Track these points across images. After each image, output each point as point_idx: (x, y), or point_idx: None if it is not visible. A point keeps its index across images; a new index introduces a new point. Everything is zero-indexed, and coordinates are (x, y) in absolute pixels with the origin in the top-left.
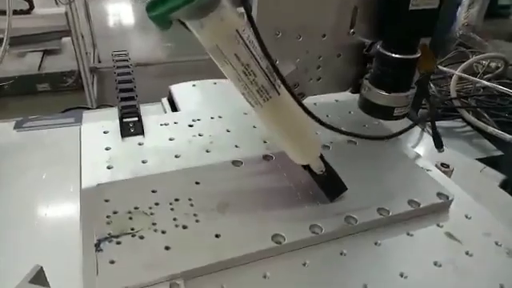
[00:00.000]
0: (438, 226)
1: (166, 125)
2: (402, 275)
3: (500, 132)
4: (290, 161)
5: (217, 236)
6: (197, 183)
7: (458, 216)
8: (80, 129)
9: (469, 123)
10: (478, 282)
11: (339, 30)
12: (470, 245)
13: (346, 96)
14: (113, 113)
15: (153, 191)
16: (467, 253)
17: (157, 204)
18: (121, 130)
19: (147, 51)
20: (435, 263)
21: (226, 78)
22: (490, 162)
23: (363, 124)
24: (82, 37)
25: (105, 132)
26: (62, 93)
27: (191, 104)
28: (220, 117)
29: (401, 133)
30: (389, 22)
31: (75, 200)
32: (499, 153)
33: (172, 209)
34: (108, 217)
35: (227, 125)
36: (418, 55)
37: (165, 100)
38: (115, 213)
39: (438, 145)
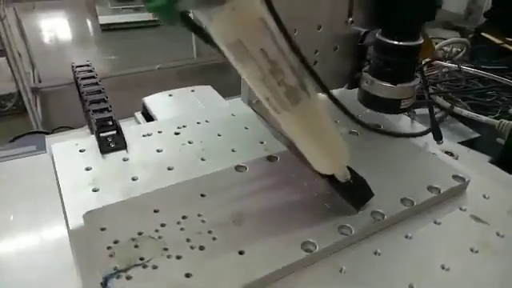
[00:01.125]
0: (461, 209)
1: (149, 135)
2: (443, 267)
3: (475, 114)
4: (296, 160)
5: (240, 253)
6: (202, 195)
7: (477, 197)
8: (51, 151)
9: (443, 108)
10: None
11: (335, 19)
12: (497, 225)
13: (343, 92)
14: (81, 134)
15: (155, 211)
16: (498, 234)
17: (163, 225)
18: (100, 147)
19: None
20: (472, 249)
21: (188, 86)
22: (470, 144)
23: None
24: (20, 55)
25: (81, 151)
26: (1, 118)
27: (172, 114)
28: (207, 121)
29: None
30: (392, 8)
31: (59, 239)
32: (476, 135)
33: (182, 228)
34: (109, 248)
35: (217, 129)
36: (422, 41)
37: (138, 114)
38: (116, 242)
39: (438, 137)
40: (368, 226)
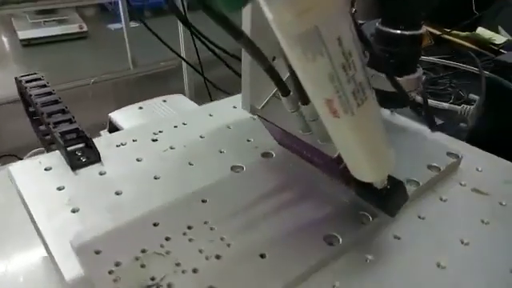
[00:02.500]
0: (461, 184)
1: (123, 145)
2: (462, 242)
3: (437, 102)
4: (293, 155)
5: (262, 256)
6: (203, 201)
7: (471, 171)
8: (9, 172)
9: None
10: None
11: None
12: (498, 195)
13: None
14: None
15: (154, 224)
16: (501, 203)
17: (168, 239)
18: (69, 162)
19: (12, 85)
20: (482, 221)
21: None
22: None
23: None
24: None
25: (47, 169)
26: None
27: None
28: (184, 124)
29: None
30: None
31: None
32: (440, 121)
33: (190, 239)
34: (111, 272)
35: (197, 131)
36: (423, 30)
37: (105, 132)
38: (118, 265)
39: (432, 124)
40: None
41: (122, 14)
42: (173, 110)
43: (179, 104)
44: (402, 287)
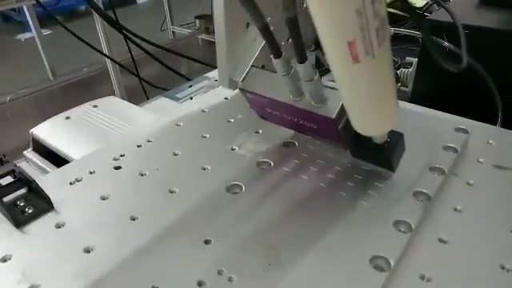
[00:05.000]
0: (479, 162)
1: (79, 181)
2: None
3: None
4: (291, 157)
5: None
6: (206, 242)
7: (483, 145)
8: None
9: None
10: None
11: None
12: None
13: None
14: None
15: None
16: None
17: None
18: (11, 218)
19: None
20: None
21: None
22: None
23: None
24: None
25: None
26: None
27: (82, 140)
28: (149, 141)
29: None
30: None
31: None
32: None
33: None
34: None
35: (168, 147)
36: None
37: (29, 152)
38: None
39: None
40: (417, 211)
41: (30, 22)
42: (108, 115)
43: (114, 107)
44: None
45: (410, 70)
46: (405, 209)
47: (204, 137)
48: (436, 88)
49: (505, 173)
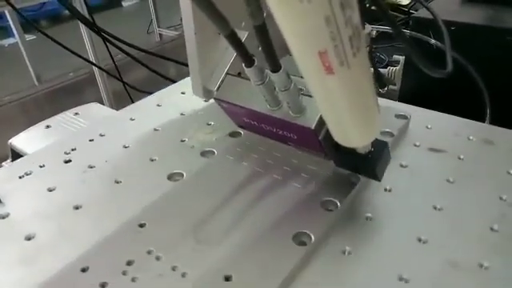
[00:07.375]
0: (416, 145)
1: (28, 174)
2: (435, 208)
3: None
4: (234, 149)
5: (227, 279)
6: (141, 226)
7: (422, 130)
8: None
9: None
10: (490, 173)
11: None
12: (454, 150)
13: None
14: None
15: (83, 270)
16: (459, 157)
17: (104, 285)
18: None
19: None
20: (448, 180)
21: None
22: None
23: None
24: None
25: None
26: None
27: None
28: (102, 135)
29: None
30: None
31: None
32: None
33: (133, 279)
34: None
35: (119, 140)
36: None
37: (8, 163)
38: None
39: (381, 85)
40: (350, 192)
41: (13, 27)
42: (89, 123)
43: (95, 114)
44: (386, 269)
45: (398, 68)
46: (334, 189)
47: (156, 130)
48: (424, 86)
49: (438, 155)
